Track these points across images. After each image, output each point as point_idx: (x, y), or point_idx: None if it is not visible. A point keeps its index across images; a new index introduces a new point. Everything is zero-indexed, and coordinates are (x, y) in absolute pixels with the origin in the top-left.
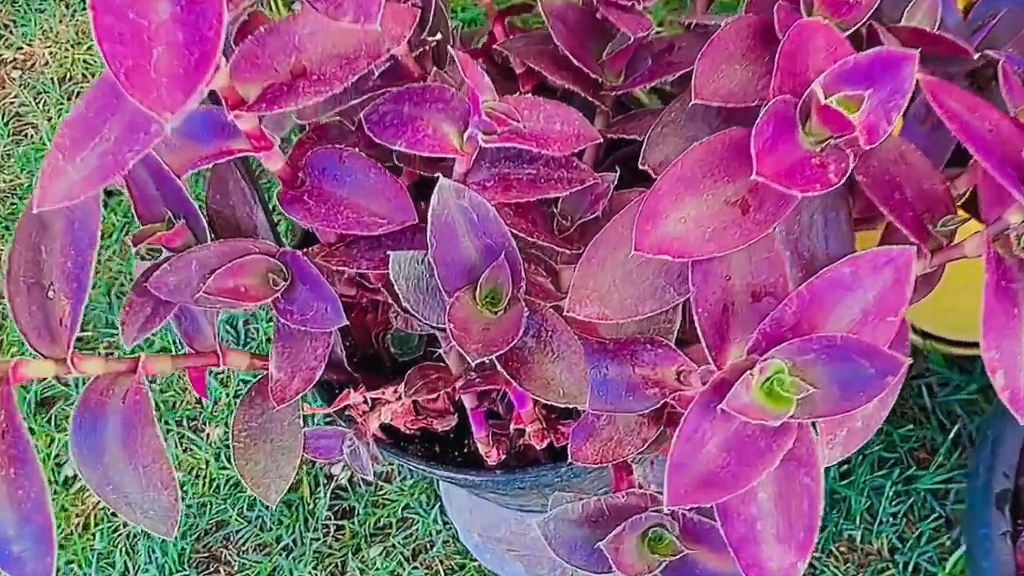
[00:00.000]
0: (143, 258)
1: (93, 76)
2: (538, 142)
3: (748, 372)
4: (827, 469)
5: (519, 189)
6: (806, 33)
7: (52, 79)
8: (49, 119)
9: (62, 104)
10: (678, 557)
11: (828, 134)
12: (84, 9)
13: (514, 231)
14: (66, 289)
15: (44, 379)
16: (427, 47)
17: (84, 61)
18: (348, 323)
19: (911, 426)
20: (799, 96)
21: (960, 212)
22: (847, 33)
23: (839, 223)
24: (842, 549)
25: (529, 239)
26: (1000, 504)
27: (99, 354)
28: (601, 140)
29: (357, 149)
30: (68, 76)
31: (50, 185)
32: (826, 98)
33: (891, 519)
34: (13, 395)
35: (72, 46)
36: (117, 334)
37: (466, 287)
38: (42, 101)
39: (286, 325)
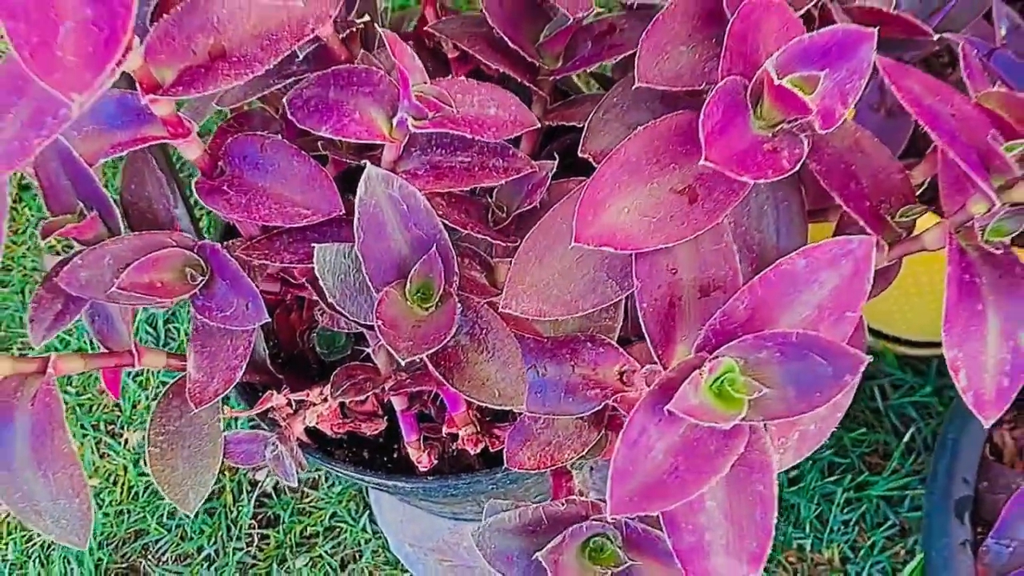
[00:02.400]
0: (57, 254)
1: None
2: (472, 128)
3: (696, 371)
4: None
5: (452, 178)
6: (757, 12)
7: None
8: None
9: None
10: (621, 569)
11: (781, 118)
12: None
13: (446, 222)
14: None
15: None
16: (354, 29)
17: None
18: (271, 321)
19: (863, 430)
20: (750, 78)
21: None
22: (800, 13)
23: (791, 214)
24: (791, 559)
25: (462, 231)
26: (960, 512)
27: (13, 356)
28: (539, 126)
29: (281, 136)
30: None
31: None
32: (780, 79)
33: (842, 527)
34: None
35: None
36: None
37: (395, 282)
38: None
39: (205, 323)
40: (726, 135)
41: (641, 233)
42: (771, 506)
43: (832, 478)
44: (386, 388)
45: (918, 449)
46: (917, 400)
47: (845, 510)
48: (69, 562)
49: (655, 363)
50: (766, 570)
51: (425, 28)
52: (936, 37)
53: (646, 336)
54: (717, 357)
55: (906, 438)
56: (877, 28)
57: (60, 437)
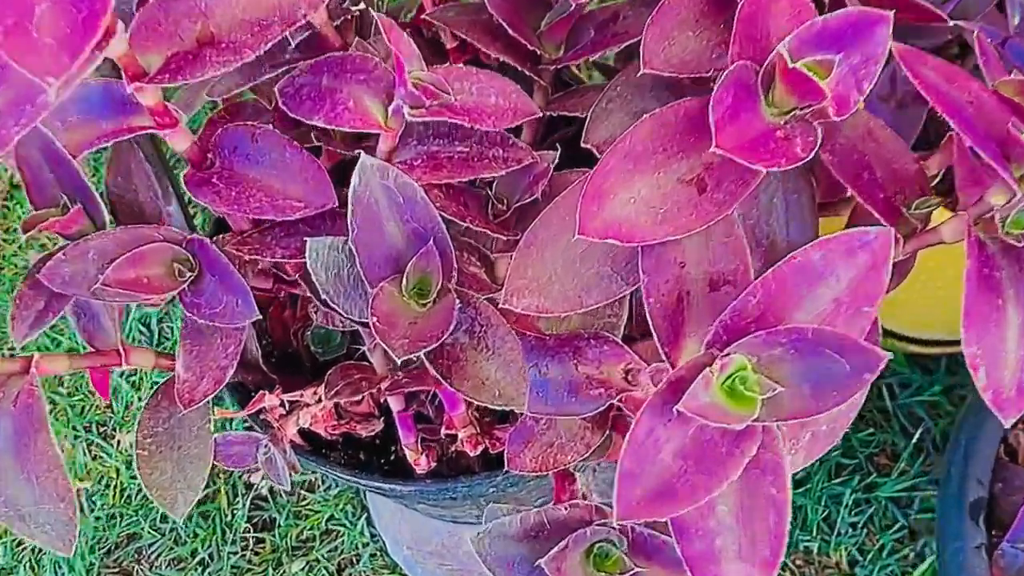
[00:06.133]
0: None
1: None
2: (471, 117)
3: (707, 369)
4: None
5: (450, 169)
6: None
7: None
8: None
9: None
10: None
11: (794, 104)
12: None
13: (444, 215)
14: None
15: None
16: (349, 16)
17: None
18: (263, 319)
19: (871, 430)
20: (761, 64)
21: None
22: None
23: (801, 207)
24: (798, 562)
25: (461, 224)
26: (974, 514)
27: (2, 356)
28: (540, 115)
29: (272, 126)
30: None
31: None
32: (793, 63)
33: (850, 530)
34: None
35: None
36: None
37: (391, 277)
38: None
39: (194, 320)
40: (737, 122)
41: (647, 225)
42: (785, 510)
43: (839, 479)
44: (382, 388)
45: (927, 449)
46: (926, 399)
47: (853, 512)
48: (60, 567)
49: (662, 361)
50: None
51: (423, 16)
52: (950, 24)
53: (653, 332)
54: (728, 354)
55: (915, 438)
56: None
57: (43, 439)
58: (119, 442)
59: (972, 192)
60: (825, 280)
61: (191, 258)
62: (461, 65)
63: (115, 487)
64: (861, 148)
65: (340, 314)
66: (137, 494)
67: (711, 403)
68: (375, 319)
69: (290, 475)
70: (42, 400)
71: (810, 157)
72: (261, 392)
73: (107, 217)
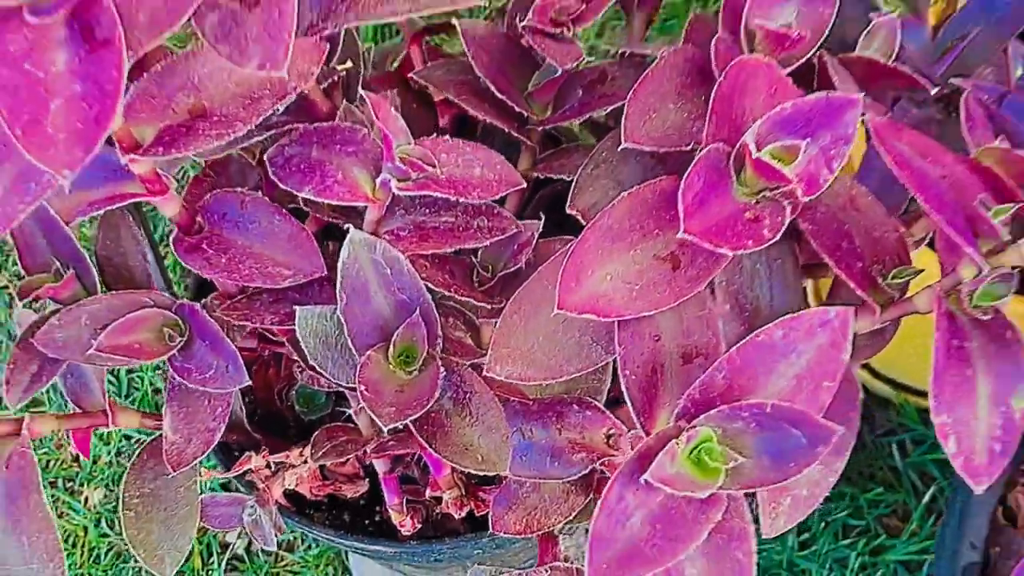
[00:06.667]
0: (36, 310)
1: None
2: (456, 189)
3: (674, 440)
4: (785, 538)
5: (436, 239)
6: (744, 73)
7: None
8: None
9: None
10: None
11: (763, 186)
12: None
13: (430, 285)
14: None
15: None
16: (336, 77)
17: None
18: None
19: (880, 489)
20: (735, 143)
21: (925, 255)
22: (793, 68)
23: (785, 272)
24: None
25: (446, 293)
26: None
27: None
28: (524, 185)
29: (260, 192)
30: None
31: None
32: (760, 149)
33: None
34: None
35: None
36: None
37: (378, 345)
38: None
39: (182, 383)
40: (706, 205)
41: (623, 300)
42: (749, 573)
43: (846, 541)
44: (368, 450)
45: (939, 510)
46: (940, 457)
47: None
48: None
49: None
50: None
51: (411, 74)
52: (933, 90)
53: (629, 403)
54: (695, 426)
55: (926, 498)
56: (876, 81)
57: (35, 501)
58: (87, 499)
59: (950, 262)
60: (787, 357)
61: (181, 323)
62: (447, 138)
63: (83, 546)
64: (841, 217)
65: (328, 380)
66: (107, 553)
67: (677, 473)
68: (363, 387)
69: (275, 536)
70: (34, 462)
71: (777, 236)
72: (248, 454)
73: (97, 280)
